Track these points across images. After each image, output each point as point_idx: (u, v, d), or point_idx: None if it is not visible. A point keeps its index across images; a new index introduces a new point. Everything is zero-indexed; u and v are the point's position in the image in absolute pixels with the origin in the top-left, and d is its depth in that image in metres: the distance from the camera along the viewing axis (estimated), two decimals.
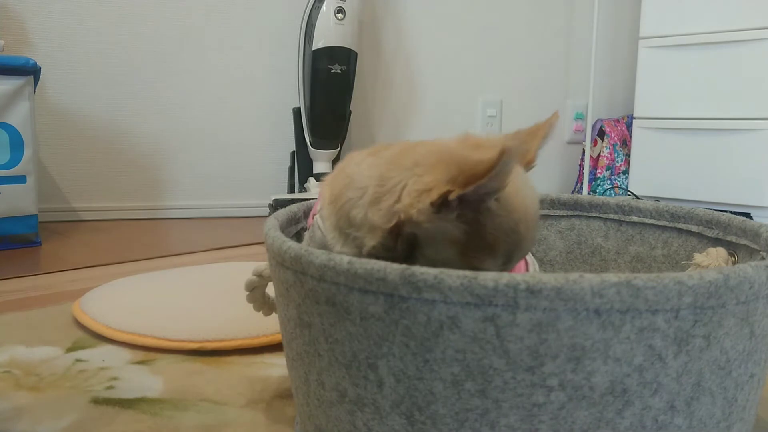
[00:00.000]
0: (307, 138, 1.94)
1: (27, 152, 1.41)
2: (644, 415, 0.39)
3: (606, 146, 2.38)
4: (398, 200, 0.44)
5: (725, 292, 0.38)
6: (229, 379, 0.72)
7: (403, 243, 0.45)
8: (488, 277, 0.36)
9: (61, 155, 1.79)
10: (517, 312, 0.36)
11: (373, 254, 0.46)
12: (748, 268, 0.39)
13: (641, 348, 0.37)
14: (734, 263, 0.59)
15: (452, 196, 0.42)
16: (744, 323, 0.40)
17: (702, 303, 0.37)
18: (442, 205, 0.42)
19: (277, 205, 1.81)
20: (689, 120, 2.01)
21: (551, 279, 0.36)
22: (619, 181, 2.34)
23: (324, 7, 1.84)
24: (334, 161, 1.99)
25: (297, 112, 1.96)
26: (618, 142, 2.39)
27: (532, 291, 0.36)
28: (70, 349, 0.81)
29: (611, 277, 0.36)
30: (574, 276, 0.36)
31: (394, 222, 0.44)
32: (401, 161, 0.46)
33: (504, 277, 0.36)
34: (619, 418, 0.38)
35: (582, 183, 2.37)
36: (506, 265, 0.47)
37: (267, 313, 0.64)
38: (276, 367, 0.75)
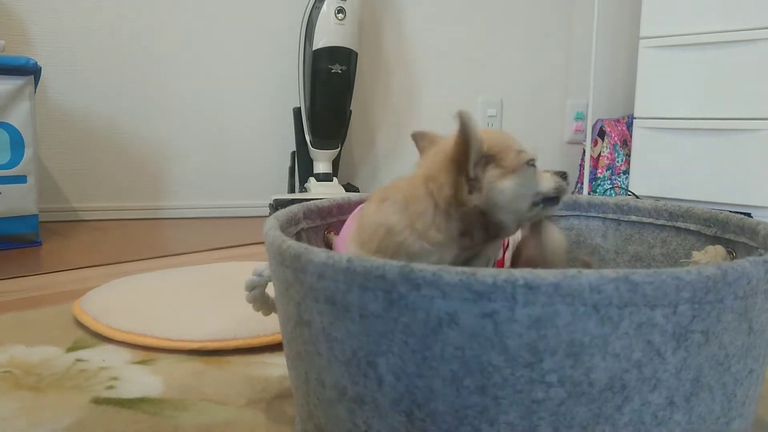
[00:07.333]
0: (308, 138, 1.94)
1: (27, 152, 1.41)
2: (643, 410, 0.39)
3: (606, 146, 2.38)
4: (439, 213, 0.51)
5: (723, 287, 0.38)
6: (229, 379, 0.72)
7: (479, 229, 0.52)
8: (487, 273, 0.36)
9: (61, 155, 1.79)
10: (516, 308, 0.36)
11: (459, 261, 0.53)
12: (746, 263, 0.39)
13: (640, 343, 0.37)
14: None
15: (471, 173, 0.50)
16: (742, 318, 0.40)
17: (700, 298, 0.37)
18: (471, 184, 0.50)
19: (277, 205, 1.82)
20: (689, 120, 2.01)
21: (549, 275, 0.36)
22: (620, 181, 2.34)
23: (324, 7, 1.84)
24: (335, 161, 1.99)
25: (297, 112, 1.96)
26: (618, 142, 2.39)
27: (530, 287, 0.36)
28: (70, 349, 0.81)
29: (609, 272, 0.36)
30: (572, 272, 0.36)
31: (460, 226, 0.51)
32: (409, 193, 0.53)
33: (502, 273, 0.36)
34: (619, 413, 0.38)
35: (582, 183, 2.37)
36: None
37: (266, 313, 0.64)
38: (276, 367, 0.75)
